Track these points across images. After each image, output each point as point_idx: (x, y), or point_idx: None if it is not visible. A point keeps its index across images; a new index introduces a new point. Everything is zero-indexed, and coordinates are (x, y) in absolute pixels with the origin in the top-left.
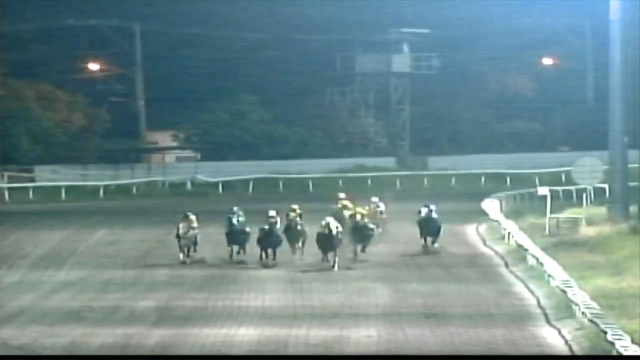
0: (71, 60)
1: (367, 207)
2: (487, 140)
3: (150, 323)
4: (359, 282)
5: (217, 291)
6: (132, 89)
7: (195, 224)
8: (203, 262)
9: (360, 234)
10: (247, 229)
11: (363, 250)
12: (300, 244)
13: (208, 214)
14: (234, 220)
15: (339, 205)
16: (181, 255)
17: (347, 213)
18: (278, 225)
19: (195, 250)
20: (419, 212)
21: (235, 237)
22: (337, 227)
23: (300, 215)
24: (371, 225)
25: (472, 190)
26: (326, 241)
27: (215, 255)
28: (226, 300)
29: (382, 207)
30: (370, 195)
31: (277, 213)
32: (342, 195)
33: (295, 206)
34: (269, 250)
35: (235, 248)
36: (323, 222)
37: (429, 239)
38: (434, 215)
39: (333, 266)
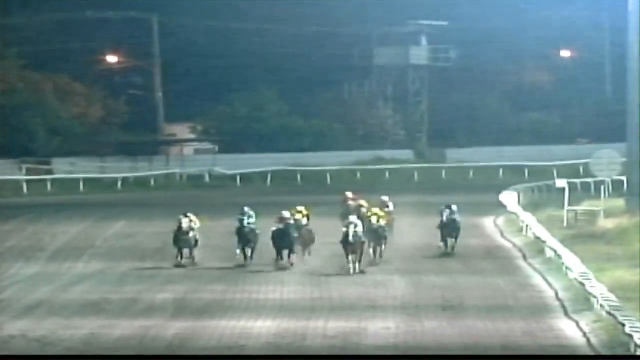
0: (89, 53)
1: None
2: (505, 133)
3: (168, 315)
4: (376, 274)
5: (235, 284)
6: (150, 81)
7: (196, 225)
8: (200, 264)
9: (375, 236)
10: (258, 231)
11: (380, 255)
12: (307, 250)
13: (225, 207)
14: (245, 222)
15: (353, 204)
16: (178, 256)
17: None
18: (293, 226)
19: (191, 254)
20: (441, 214)
21: (245, 239)
22: (359, 229)
23: (307, 217)
24: (387, 228)
25: (490, 183)
26: (348, 242)
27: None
28: (244, 292)
29: (391, 206)
30: (387, 188)
31: (290, 214)
32: (349, 194)
33: (301, 208)
34: (285, 252)
35: (248, 251)
36: (345, 223)
37: (450, 241)
38: (456, 217)
39: (354, 270)
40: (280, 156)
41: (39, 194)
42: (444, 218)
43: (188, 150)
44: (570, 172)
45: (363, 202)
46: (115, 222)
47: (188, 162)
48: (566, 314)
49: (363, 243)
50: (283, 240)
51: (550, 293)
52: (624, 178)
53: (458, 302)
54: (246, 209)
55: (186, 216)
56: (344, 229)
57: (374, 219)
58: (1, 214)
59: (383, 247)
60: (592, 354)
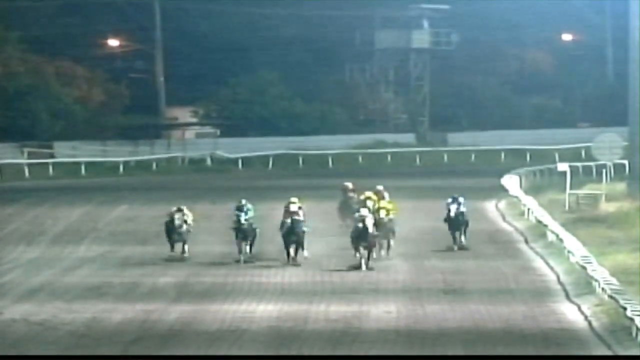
0: (91, 37)
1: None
2: (506, 116)
3: (170, 299)
4: (377, 258)
5: (237, 267)
6: (151, 65)
7: (189, 218)
8: (192, 259)
9: (384, 230)
10: (255, 226)
11: (387, 252)
12: (299, 246)
13: (227, 190)
14: (242, 215)
15: (361, 197)
16: (170, 250)
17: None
18: (302, 219)
19: (183, 249)
20: (448, 207)
21: (243, 233)
22: (372, 221)
23: (301, 209)
24: (394, 221)
25: (492, 166)
26: (360, 237)
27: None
28: (246, 276)
29: (386, 197)
30: (389, 173)
31: (299, 207)
32: (349, 184)
33: (294, 199)
34: (292, 248)
35: (245, 247)
36: (357, 215)
37: (457, 234)
38: (463, 209)
39: (366, 266)
40: (282, 140)
41: (41, 178)
42: (450, 211)
43: (189, 133)
44: (571, 155)
45: (371, 194)
46: (116, 206)
47: (189, 146)
48: (568, 297)
49: (376, 237)
50: (292, 235)
51: (551, 277)
52: (626, 162)
53: (459, 285)
54: (243, 201)
55: (179, 210)
56: (357, 224)
57: (382, 213)
58: (3, 197)
59: (392, 241)
60: (594, 337)
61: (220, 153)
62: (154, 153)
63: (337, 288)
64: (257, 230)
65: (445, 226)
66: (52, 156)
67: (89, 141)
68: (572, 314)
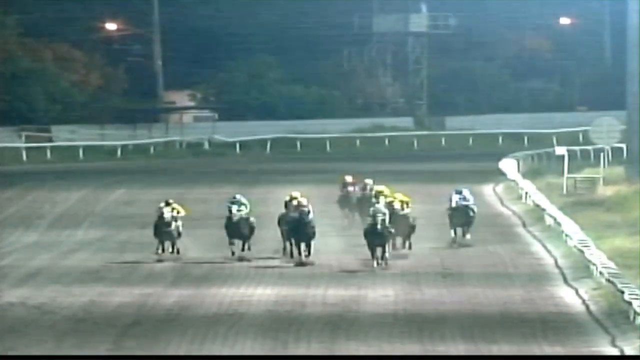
0: (89, 20)
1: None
2: (504, 100)
3: (168, 283)
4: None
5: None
6: (149, 48)
7: (179, 213)
8: (181, 258)
9: (400, 225)
10: (252, 220)
11: (410, 246)
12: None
13: (225, 174)
14: (235, 210)
15: (373, 191)
16: (159, 250)
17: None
18: (311, 214)
19: (173, 249)
20: (450, 199)
21: (236, 230)
22: (386, 218)
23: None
24: (412, 215)
25: (490, 150)
26: (374, 235)
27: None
28: (243, 260)
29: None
30: (387, 157)
31: (307, 201)
32: (349, 178)
33: (296, 193)
34: (302, 245)
35: (239, 243)
36: (371, 210)
37: (460, 230)
38: (467, 202)
39: (379, 264)
40: (280, 123)
41: (39, 162)
42: (453, 203)
43: (187, 117)
44: (569, 139)
45: (383, 189)
46: (114, 190)
47: (187, 130)
48: (565, 281)
49: (391, 234)
50: (298, 231)
51: (549, 260)
52: (624, 145)
53: (457, 269)
54: (238, 196)
55: (168, 204)
56: (370, 219)
57: (397, 205)
58: (1, 181)
59: (411, 238)
60: (591, 321)
61: (218, 137)
62: (152, 137)
63: (335, 272)
64: (254, 224)
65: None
66: (50, 140)
67: (86, 125)
68: (570, 298)
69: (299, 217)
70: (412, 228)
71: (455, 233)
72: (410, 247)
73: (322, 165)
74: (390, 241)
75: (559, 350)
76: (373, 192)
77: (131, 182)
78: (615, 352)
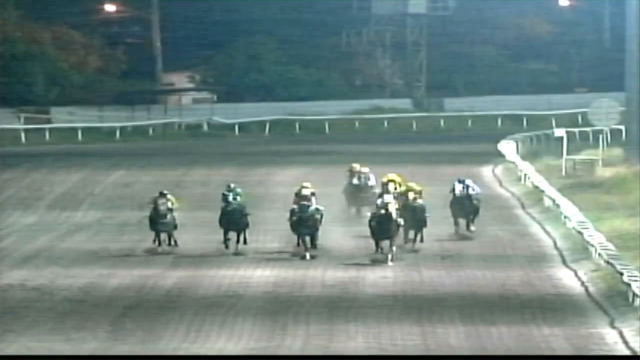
0: (87, 2)
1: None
2: (503, 82)
3: (167, 265)
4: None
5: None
6: (148, 30)
7: (174, 205)
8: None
9: (413, 217)
10: (247, 211)
11: (421, 239)
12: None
13: (224, 156)
14: (229, 196)
15: (384, 180)
16: (156, 242)
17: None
18: (314, 206)
19: (170, 241)
20: (453, 189)
21: (231, 221)
22: (394, 209)
23: (313, 195)
24: (424, 206)
25: (489, 132)
26: (382, 226)
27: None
28: (239, 254)
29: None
30: (386, 138)
31: (311, 193)
32: (356, 165)
33: (307, 184)
34: (307, 238)
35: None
36: (379, 202)
37: (462, 221)
38: (471, 192)
39: (391, 260)
40: (279, 105)
41: (38, 143)
42: (457, 193)
43: (186, 99)
44: (568, 121)
45: (394, 177)
46: (113, 171)
47: (186, 112)
48: (564, 262)
49: (399, 227)
50: (302, 224)
51: (548, 242)
52: (623, 127)
53: (456, 251)
54: (232, 185)
55: (162, 195)
56: (379, 211)
57: (410, 195)
58: (0, 162)
59: (423, 230)
60: (590, 302)
61: (217, 119)
62: (150, 119)
63: (334, 254)
64: (249, 217)
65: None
66: (48, 122)
67: (85, 107)
68: (569, 280)
69: (300, 210)
70: (424, 222)
71: (457, 224)
72: (422, 240)
73: (321, 147)
74: (397, 234)
75: (557, 332)
76: (370, 182)
77: (130, 163)
78: (614, 333)
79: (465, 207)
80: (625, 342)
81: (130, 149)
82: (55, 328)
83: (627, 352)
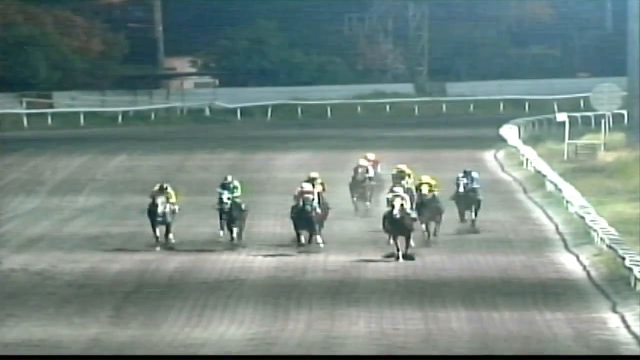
0: None
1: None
2: (505, 67)
3: (169, 249)
4: (375, 209)
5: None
6: (150, 15)
7: (173, 198)
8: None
9: (428, 211)
10: (244, 206)
11: (435, 233)
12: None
13: (226, 140)
14: (226, 196)
15: (393, 172)
16: (156, 238)
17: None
18: (315, 201)
19: (168, 236)
20: (457, 182)
21: (228, 216)
22: (407, 204)
23: (322, 186)
24: (440, 200)
25: (491, 116)
26: (394, 222)
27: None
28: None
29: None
30: (388, 123)
31: (313, 185)
32: (371, 155)
33: (315, 174)
34: (305, 233)
35: (234, 230)
36: (390, 196)
37: (467, 214)
38: (475, 185)
39: (403, 257)
40: (281, 90)
41: (40, 128)
42: (461, 188)
43: (188, 84)
44: (570, 105)
45: (404, 168)
46: (115, 156)
47: (188, 96)
48: (566, 247)
49: (413, 221)
50: (301, 218)
51: (550, 227)
52: (625, 111)
53: (458, 236)
54: (229, 177)
55: (162, 190)
56: (390, 205)
57: (424, 189)
58: (2, 147)
59: (439, 225)
60: (592, 287)
61: (219, 103)
62: (152, 103)
63: (336, 238)
64: (246, 211)
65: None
66: (50, 106)
67: (87, 91)
68: (571, 264)
69: (302, 205)
70: (439, 216)
71: (462, 218)
72: (435, 234)
73: (323, 132)
74: (410, 231)
75: (559, 317)
76: (368, 174)
77: (132, 148)
78: (616, 318)
79: (468, 201)
80: (627, 327)
81: (132, 134)
82: (57, 313)
83: (629, 337)
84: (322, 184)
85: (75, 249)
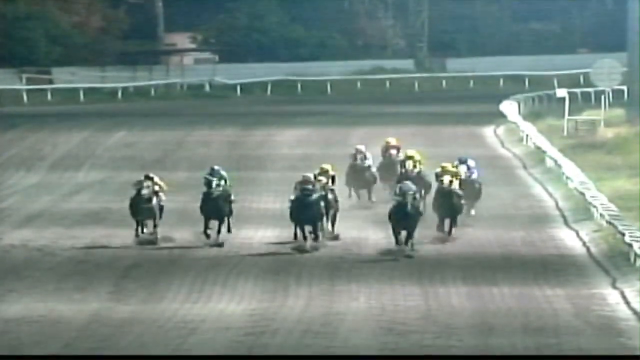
0: None
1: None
2: (505, 42)
3: (169, 225)
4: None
5: (235, 194)
6: None
7: (161, 187)
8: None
9: (446, 203)
10: (232, 197)
11: (450, 229)
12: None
13: (226, 116)
14: (213, 182)
15: (401, 157)
16: (138, 229)
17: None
18: (316, 193)
19: (155, 228)
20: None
21: (213, 208)
22: (417, 195)
23: (332, 178)
24: (460, 192)
25: (490, 92)
26: (403, 217)
27: (231, 157)
28: (244, 202)
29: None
30: (388, 99)
31: (314, 177)
32: (392, 140)
33: (327, 166)
34: (307, 228)
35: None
36: (398, 188)
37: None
38: (474, 175)
39: (410, 253)
40: (281, 66)
41: (39, 104)
42: (462, 176)
43: (188, 59)
44: (570, 81)
45: (414, 153)
46: (115, 132)
47: (188, 72)
48: (566, 223)
49: (420, 215)
50: (302, 212)
51: (550, 202)
52: (624, 87)
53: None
54: (216, 167)
55: (148, 178)
56: (399, 199)
57: (446, 180)
58: (1, 123)
59: (455, 221)
60: (592, 263)
61: (219, 79)
62: (152, 79)
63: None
64: (232, 204)
65: (444, 151)
66: (50, 82)
67: (87, 67)
68: (571, 240)
69: (301, 196)
70: (460, 207)
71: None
72: (450, 231)
73: (323, 108)
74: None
75: (559, 292)
76: (368, 161)
77: (132, 124)
78: (615, 294)
79: (469, 192)
80: (627, 303)
81: (132, 110)
82: (57, 288)
83: (628, 312)
84: (333, 176)
85: (75, 225)
